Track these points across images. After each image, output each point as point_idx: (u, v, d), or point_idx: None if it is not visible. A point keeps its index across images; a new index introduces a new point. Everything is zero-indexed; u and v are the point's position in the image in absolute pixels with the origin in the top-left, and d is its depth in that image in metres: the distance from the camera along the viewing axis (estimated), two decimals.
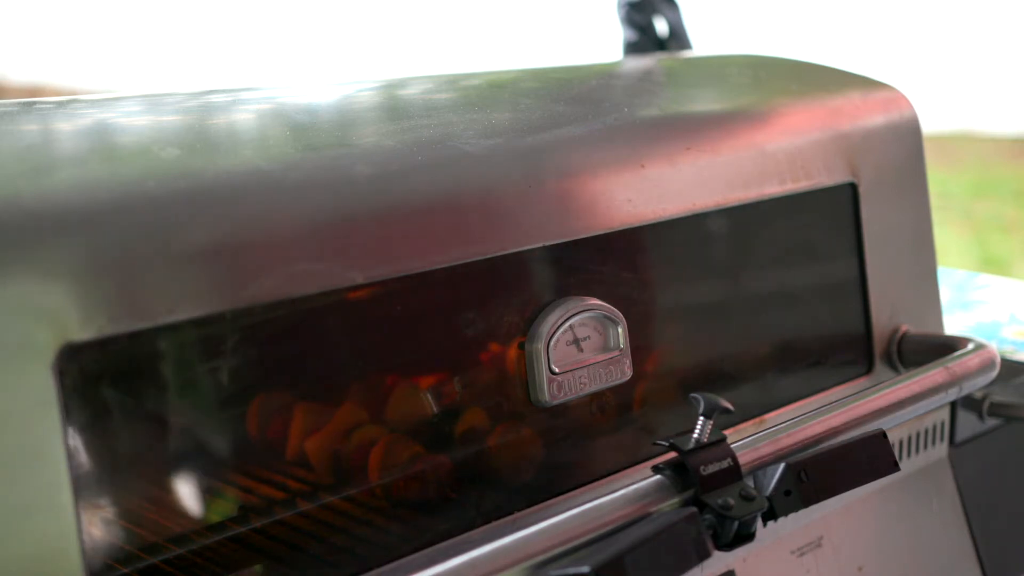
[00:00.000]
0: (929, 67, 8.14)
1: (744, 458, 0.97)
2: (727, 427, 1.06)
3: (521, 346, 1.00)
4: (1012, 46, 8.01)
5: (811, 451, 1.02)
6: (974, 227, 5.84)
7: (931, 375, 1.18)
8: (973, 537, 1.36)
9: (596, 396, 1.05)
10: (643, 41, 2.43)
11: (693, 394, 0.97)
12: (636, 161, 1.09)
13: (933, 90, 8.06)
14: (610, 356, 1.03)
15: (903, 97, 1.38)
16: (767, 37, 8.38)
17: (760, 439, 1.01)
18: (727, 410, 0.96)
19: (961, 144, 7.54)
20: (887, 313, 1.32)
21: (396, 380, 0.94)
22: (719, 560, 1.10)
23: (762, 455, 1.00)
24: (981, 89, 8.25)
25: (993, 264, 5.23)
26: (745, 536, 0.95)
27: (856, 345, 1.31)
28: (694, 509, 0.91)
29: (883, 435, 1.04)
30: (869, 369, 1.30)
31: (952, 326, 1.59)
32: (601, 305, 1.03)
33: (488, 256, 0.96)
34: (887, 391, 1.14)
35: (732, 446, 0.97)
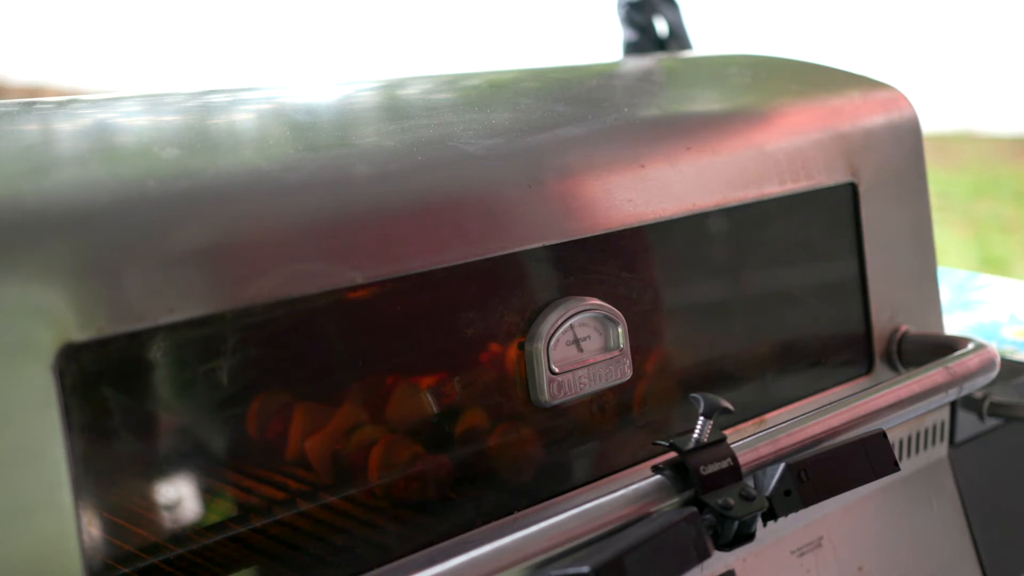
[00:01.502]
0: (929, 67, 8.14)
1: (744, 458, 0.97)
2: (727, 427, 1.06)
3: (521, 346, 1.00)
4: (1012, 46, 8.01)
5: (811, 451, 1.02)
6: (974, 227, 5.84)
7: (931, 375, 1.18)
8: (973, 537, 1.36)
9: (596, 396, 1.05)
10: (643, 41, 2.43)
11: (693, 394, 0.97)
12: (636, 161, 1.09)
13: (933, 90, 8.05)
14: (610, 356, 1.03)
15: (903, 97, 1.38)
16: (767, 37, 8.38)
17: (760, 439, 1.01)
18: (727, 410, 0.96)
19: (961, 144, 7.54)
20: (887, 313, 1.32)
21: (396, 380, 0.94)
22: (719, 560, 1.10)
23: (762, 455, 1.00)
24: (981, 89, 8.25)
25: (993, 264, 5.23)
26: (745, 536, 0.95)
27: (856, 345, 1.31)
28: (694, 509, 0.91)
29: (883, 435, 1.04)
30: (869, 369, 1.30)
31: (952, 326, 1.59)
32: (601, 305, 1.03)
33: (488, 256, 0.96)
34: (887, 391, 1.14)
35: (732, 446, 0.97)
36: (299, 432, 0.89)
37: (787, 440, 1.02)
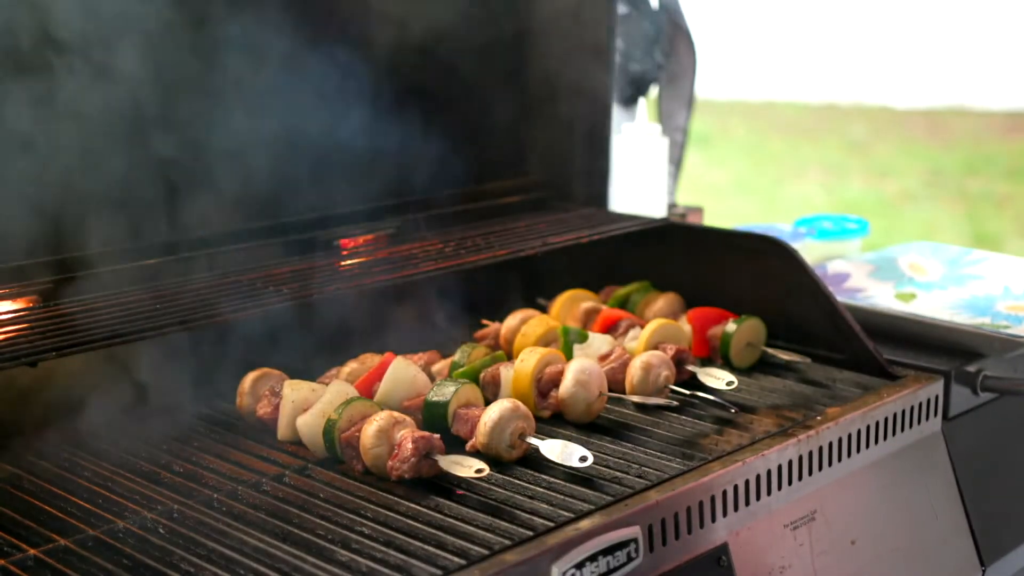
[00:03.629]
0: (922, 41, 8.11)
1: None
2: None
3: None
4: (1004, 20, 7.98)
5: None
6: (967, 204, 5.83)
7: None
8: (966, 510, 1.36)
9: None
10: (635, 15, 2.41)
11: None
12: None
13: (927, 66, 8.02)
14: None
15: None
16: (760, 7, 8.33)
17: None
18: None
19: (954, 119, 7.51)
20: None
21: None
22: (712, 534, 1.10)
23: None
24: (974, 64, 8.21)
25: (986, 240, 5.22)
26: None
27: None
28: None
29: None
30: None
31: (947, 300, 1.59)
32: None
33: None
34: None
35: None
36: None
37: None
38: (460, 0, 1.48)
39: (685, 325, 1.46)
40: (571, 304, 1.54)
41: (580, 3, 1.65)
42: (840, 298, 1.47)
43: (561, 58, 1.67)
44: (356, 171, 1.45)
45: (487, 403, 1.21)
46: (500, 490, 1.10)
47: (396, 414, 1.16)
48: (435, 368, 1.37)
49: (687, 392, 1.30)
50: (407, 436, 1.12)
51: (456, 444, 1.20)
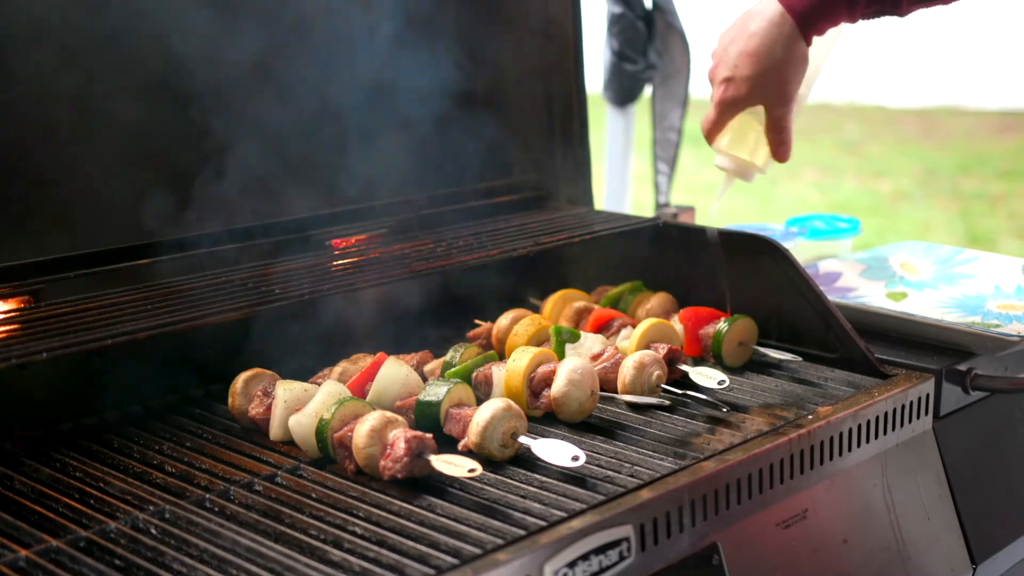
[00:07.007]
0: (917, 42, 8.12)
1: None
2: None
3: None
4: (1000, 22, 7.98)
5: None
6: (960, 203, 5.83)
7: None
8: (957, 509, 1.37)
9: None
10: (628, 15, 2.41)
11: None
12: None
13: (921, 65, 8.02)
14: None
15: None
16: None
17: None
18: None
19: (947, 118, 7.52)
20: None
21: None
22: (704, 533, 1.10)
23: None
24: (968, 64, 8.21)
25: (979, 240, 5.22)
26: None
27: None
28: None
29: None
30: None
31: (938, 299, 1.59)
32: None
33: None
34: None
35: None
36: None
37: None
38: None
39: (677, 324, 1.46)
40: (563, 304, 1.54)
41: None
42: (831, 297, 1.47)
43: (531, 52, 1.69)
44: (348, 171, 1.45)
45: (479, 403, 1.22)
46: (492, 489, 1.11)
47: (388, 414, 1.16)
48: (427, 368, 1.37)
49: (679, 391, 1.31)
50: (399, 436, 1.12)
51: (448, 444, 1.20)
